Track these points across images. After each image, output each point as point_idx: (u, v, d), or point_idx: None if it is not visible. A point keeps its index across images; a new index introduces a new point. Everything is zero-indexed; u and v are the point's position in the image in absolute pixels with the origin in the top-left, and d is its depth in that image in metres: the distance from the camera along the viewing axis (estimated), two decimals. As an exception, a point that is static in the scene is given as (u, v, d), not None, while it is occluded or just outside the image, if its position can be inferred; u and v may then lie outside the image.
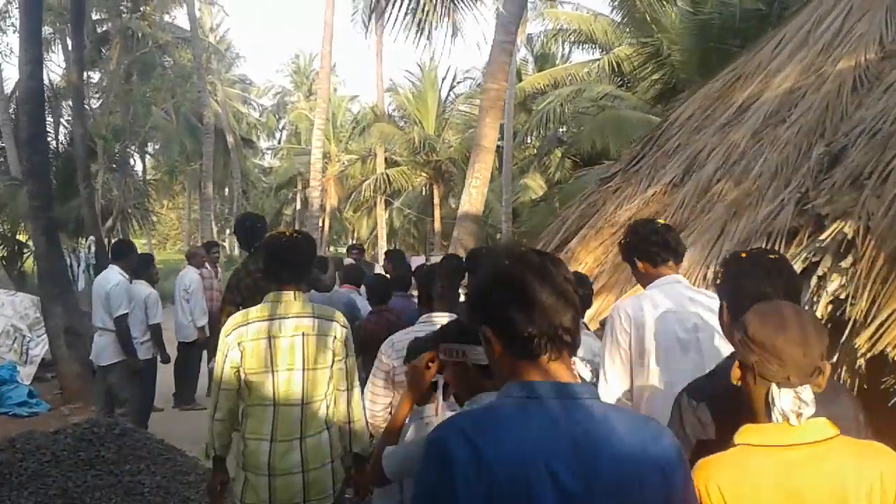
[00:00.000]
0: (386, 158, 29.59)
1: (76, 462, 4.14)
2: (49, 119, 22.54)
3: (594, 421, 1.39)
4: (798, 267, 3.22)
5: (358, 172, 32.79)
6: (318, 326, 3.21)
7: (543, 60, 27.04)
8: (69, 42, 22.09)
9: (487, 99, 7.66)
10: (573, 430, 1.37)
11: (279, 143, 49.98)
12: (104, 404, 6.43)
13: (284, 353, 3.16)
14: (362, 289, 6.50)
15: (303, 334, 3.18)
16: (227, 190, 41.62)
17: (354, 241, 42.50)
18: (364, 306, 5.83)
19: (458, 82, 31.24)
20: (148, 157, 32.68)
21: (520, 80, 23.29)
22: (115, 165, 21.49)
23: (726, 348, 2.25)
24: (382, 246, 29.24)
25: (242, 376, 3.16)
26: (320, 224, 28.43)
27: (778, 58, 5.54)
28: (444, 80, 31.06)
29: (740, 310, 1.87)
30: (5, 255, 21.36)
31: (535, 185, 26.70)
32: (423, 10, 9.73)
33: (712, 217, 4.12)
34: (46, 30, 23.88)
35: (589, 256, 5.63)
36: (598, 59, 21.84)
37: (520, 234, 25.50)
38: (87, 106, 20.61)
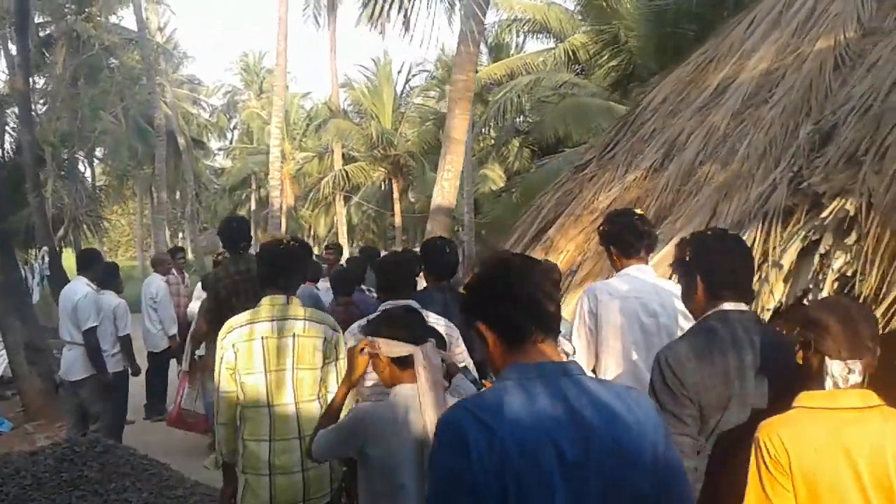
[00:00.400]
0: (343, 154, 29.32)
1: (59, 483, 3.95)
2: (-8, 127, 21.86)
3: (586, 393, 1.56)
4: (797, 245, 3.21)
5: (315, 170, 32.43)
6: (308, 329, 3.31)
7: (498, 50, 27.03)
8: (11, 46, 21.41)
9: (456, 90, 7.56)
10: (569, 403, 1.54)
11: (231, 143, 49.16)
12: (76, 420, 6.17)
13: (276, 354, 3.25)
14: (320, 284, 6.81)
15: (293, 335, 3.27)
16: (178, 193, 40.80)
17: (310, 239, 42.17)
18: (326, 301, 6.01)
19: (413, 75, 31.11)
20: (97, 162, 31.84)
21: (475, 71, 23.24)
22: (64, 172, 20.85)
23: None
24: (343, 243, 29.00)
25: (238, 378, 3.25)
26: (278, 222, 28.09)
27: (751, 39, 5.56)
28: (399, 73, 30.91)
29: (716, 284, 2.26)
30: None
31: (495, 175, 26.75)
32: (374, 4, 9.58)
33: (701, 200, 4.10)
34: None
35: (569, 244, 5.59)
36: (554, 48, 21.90)
37: (482, 225, 25.56)
38: (33, 112, 19.95)
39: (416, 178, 29.19)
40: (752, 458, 2.01)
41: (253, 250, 5.27)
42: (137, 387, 8.47)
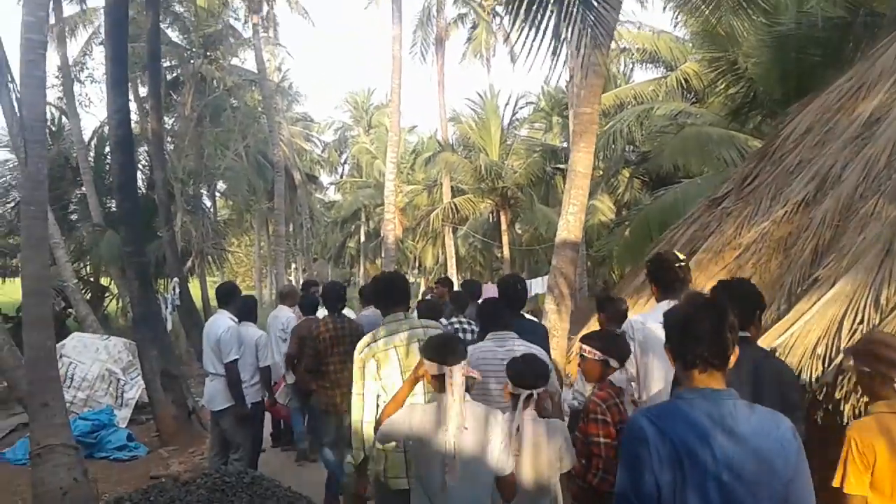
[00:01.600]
0: (451, 187, 29.64)
1: (212, 514, 4.06)
2: (127, 164, 23.38)
3: (734, 412, 2.13)
4: None
5: (423, 202, 32.91)
6: (426, 334, 3.88)
7: (607, 81, 26.77)
8: (141, 90, 22.97)
9: (580, 123, 7.47)
10: (721, 418, 2.11)
11: (341, 177, 50.70)
12: (219, 449, 6.39)
13: (406, 357, 3.88)
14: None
15: (418, 340, 3.83)
16: (291, 226, 42.37)
17: (417, 270, 42.66)
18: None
19: (520, 108, 31.22)
20: (219, 196, 33.52)
21: (599, 103, 23.07)
22: (190, 207, 22.04)
23: None
24: (452, 274, 29.17)
25: (380, 381, 3.84)
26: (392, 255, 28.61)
27: (906, 64, 5.24)
28: (505, 105, 31.10)
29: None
30: (89, 298, 22.04)
31: (604, 206, 26.33)
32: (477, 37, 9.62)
33: (868, 236, 3.84)
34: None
35: (711, 282, 5.35)
36: (665, 77, 21.48)
37: (593, 259, 25.16)
38: (164, 151, 21.25)
39: (524, 210, 29.12)
40: (844, 450, 2.79)
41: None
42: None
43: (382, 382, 3.81)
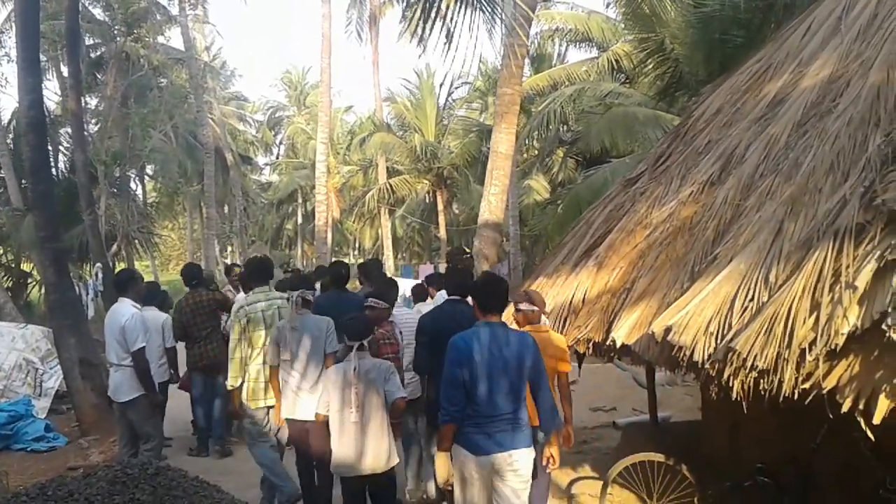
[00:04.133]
0: (387, 168, 29.44)
1: (111, 507, 3.93)
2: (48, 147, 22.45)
3: (504, 333, 4.11)
4: (873, 266, 3.04)
5: (359, 183, 32.62)
6: (282, 304, 5.77)
7: (540, 61, 26.87)
8: (63, 68, 22.03)
9: (502, 104, 7.44)
10: (497, 336, 4.06)
11: (276, 158, 49.85)
12: (127, 440, 6.21)
13: (266, 318, 5.68)
14: None
15: (277, 308, 5.75)
16: (226, 208, 41.48)
17: (357, 251, 42.28)
18: None
19: (456, 87, 31.11)
20: (148, 179, 32.53)
21: (520, 84, 23.10)
22: (116, 190, 21.34)
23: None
24: (388, 256, 29.05)
25: (248, 333, 5.63)
26: (327, 238, 28.25)
27: (809, 46, 5.34)
28: (441, 86, 30.92)
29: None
30: (11, 285, 21.19)
31: (539, 186, 26.56)
32: (415, 18, 9.51)
33: (764, 215, 3.93)
34: (41, 57, 23.81)
35: (622, 261, 5.42)
36: (597, 58, 21.69)
37: (528, 237, 25.37)
38: (85, 132, 20.45)
39: (461, 191, 29.16)
40: None
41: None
42: (186, 402, 8.55)
43: (249, 335, 5.53)
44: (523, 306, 5.09)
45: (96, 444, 9.19)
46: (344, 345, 4.91)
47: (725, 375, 3.28)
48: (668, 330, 3.74)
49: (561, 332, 5.49)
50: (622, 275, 5.33)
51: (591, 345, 5.29)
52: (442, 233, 28.87)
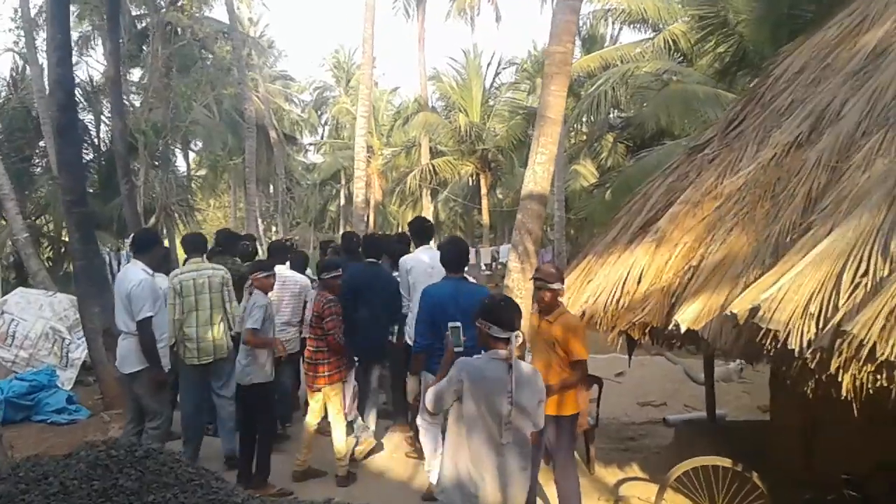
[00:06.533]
0: (430, 149, 28.79)
1: (88, 493, 3.41)
2: (90, 116, 22.35)
3: (464, 286, 5.32)
4: None
5: (402, 164, 32.07)
6: (213, 273, 6.30)
7: (591, 43, 25.91)
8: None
9: (552, 63, 6.71)
10: (458, 288, 5.21)
11: (322, 138, 49.55)
12: (133, 415, 5.72)
13: (196, 285, 6.15)
14: None
15: (207, 278, 6.20)
16: (271, 187, 41.29)
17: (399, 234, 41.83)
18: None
19: (503, 68, 30.24)
20: (192, 154, 32.45)
21: (573, 42, 22.18)
22: (156, 162, 21.08)
23: None
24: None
25: (181, 298, 6.09)
26: (366, 218, 27.77)
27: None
28: (488, 66, 30.08)
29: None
30: (51, 255, 21.15)
31: (587, 171, 25.66)
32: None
33: (874, 175, 3.21)
34: (86, 26, 23.70)
35: (687, 235, 4.72)
36: (652, 38, 20.69)
37: (572, 224, 24.52)
38: (127, 102, 20.21)
39: (505, 174, 28.40)
40: None
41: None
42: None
43: (181, 299, 5.99)
44: (555, 285, 4.73)
45: (119, 419, 8.79)
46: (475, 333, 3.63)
47: (833, 367, 2.58)
48: (754, 311, 3.04)
49: (613, 317, 4.84)
50: (687, 251, 4.64)
51: (647, 331, 4.60)
52: (485, 217, 28.16)
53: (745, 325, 3.16)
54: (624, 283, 4.88)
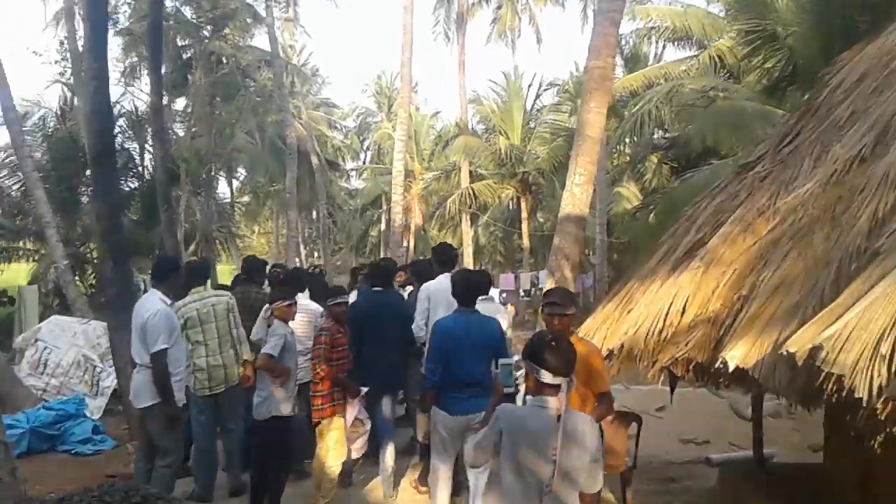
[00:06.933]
0: (471, 172, 28.55)
1: (75, 544, 3.12)
2: (135, 145, 22.70)
3: (475, 318, 5.05)
4: None
5: (442, 189, 31.88)
6: (217, 301, 6.23)
7: (634, 62, 25.45)
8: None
9: (592, 79, 6.38)
10: (470, 321, 5.01)
11: (364, 164, 49.76)
12: (145, 453, 5.46)
13: (202, 315, 6.08)
14: None
15: (212, 306, 6.09)
16: (314, 213, 41.48)
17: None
18: None
19: (544, 90, 29.92)
20: (235, 181, 32.78)
21: (614, 57, 21.74)
22: (199, 189, 21.24)
23: None
24: (469, 264, 28.12)
25: (187, 330, 5.90)
26: (406, 243, 27.62)
27: None
28: (529, 88, 29.82)
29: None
30: (93, 283, 21.40)
31: (630, 194, 25.07)
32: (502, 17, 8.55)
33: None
34: (133, 58, 24.16)
35: (740, 258, 4.29)
36: (697, 55, 20.17)
37: (615, 248, 23.93)
38: (170, 130, 20.43)
39: (546, 197, 27.97)
40: None
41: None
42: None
43: (188, 331, 5.81)
44: (569, 311, 4.27)
45: (143, 450, 8.60)
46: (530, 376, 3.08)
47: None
48: (815, 351, 2.62)
49: (654, 350, 4.42)
50: (736, 279, 4.21)
51: (691, 367, 4.18)
52: (525, 241, 27.72)
53: (804, 365, 2.74)
54: (667, 314, 4.46)
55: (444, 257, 6.46)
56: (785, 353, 2.90)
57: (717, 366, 3.73)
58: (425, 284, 6.41)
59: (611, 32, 6.37)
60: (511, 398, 5.23)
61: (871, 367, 2.50)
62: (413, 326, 6.27)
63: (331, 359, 5.43)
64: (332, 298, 5.71)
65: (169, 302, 5.44)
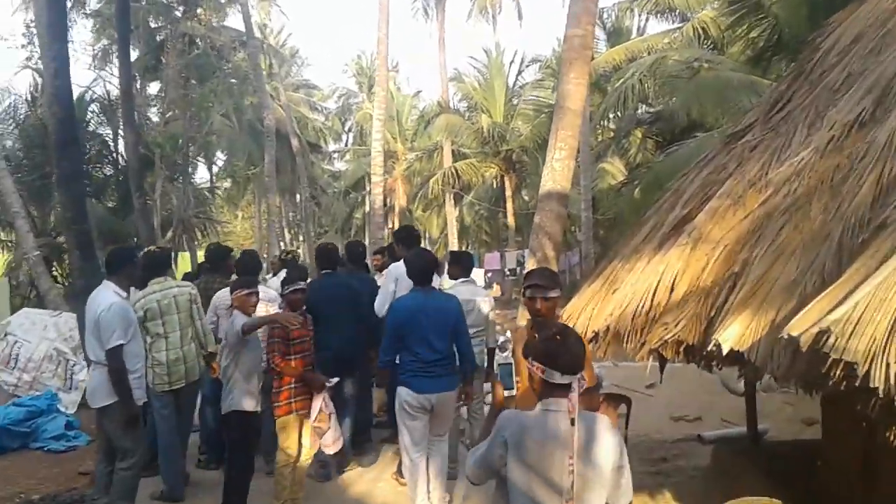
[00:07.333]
0: (453, 151, 28.17)
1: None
2: (108, 131, 22.15)
3: (432, 295, 5.17)
4: None
5: (425, 168, 31.49)
6: (179, 292, 5.99)
7: (617, 36, 25.13)
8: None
9: (571, 48, 6.06)
10: (427, 298, 5.08)
11: (346, 145, 49.21)
12: (104, 454, 5.15)
13: (163, 306, 5.85)
14: None
15: (173, 297, 5.92)
16: (297, 196, 41.00)
17: (426, 241, 41.31)
18: None
19: (527, 66, 29.49)
20: (215, 166, 32.23)
21: (594, 24, 21.41)
22: (178, 175, 20.77)
23: None
24: (454, 244, 27.82)
25: (148, 322, 5.75)
26: (390, 224, 27.26)
27: None
28: (511, 64, 29.36)
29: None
30: (68, 273, 20.95)
31: (615, 169, 24.85)
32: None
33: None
34: (104, 41, 23.54)
35: (729, 234, 4.02)
36: (680, 27, 19.88)
37: (600, 224, 23.72)
38: (144, 115, 19.91)
39: (530, 175, 27.67)
40: None
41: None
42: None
43: (147, 323, 5.61)
44: (553, 293, 3.94)
45: (118, 445, 8.30)
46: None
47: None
48: (821, 335, 2.35)
49: (641, 332, 4.16)
50: (727, 254, 3.94)
51: (681, 349, 3.91)
52: (510, 220, 27.44)
53: (809, 350, 2.47)
54: (654, 293, 4.18)
55: (406, 237, 6.44)
56: (786, 336, 2.63)
57: (709, 348, 3.46)
58: (392, 265, 6.42)
59: (591, 0, 6.03)
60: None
61: (882, 356, 2.23)
62: (375, 306, 6.29)
63: (288, 353, 5.12)
64: (287, 286, 5.42)
65: (124, 294, 5.10)
